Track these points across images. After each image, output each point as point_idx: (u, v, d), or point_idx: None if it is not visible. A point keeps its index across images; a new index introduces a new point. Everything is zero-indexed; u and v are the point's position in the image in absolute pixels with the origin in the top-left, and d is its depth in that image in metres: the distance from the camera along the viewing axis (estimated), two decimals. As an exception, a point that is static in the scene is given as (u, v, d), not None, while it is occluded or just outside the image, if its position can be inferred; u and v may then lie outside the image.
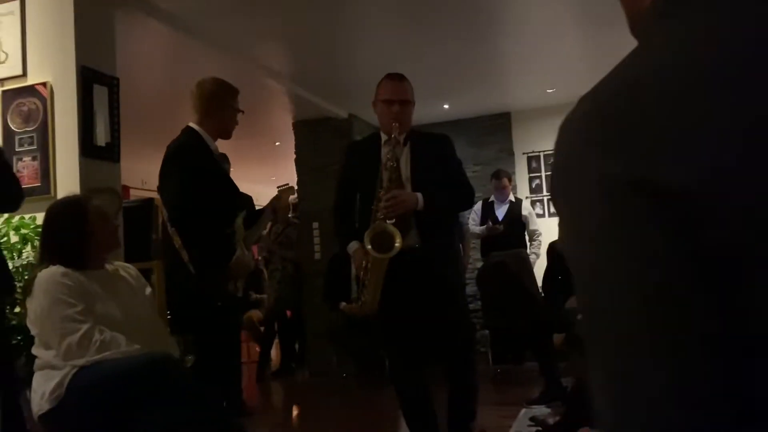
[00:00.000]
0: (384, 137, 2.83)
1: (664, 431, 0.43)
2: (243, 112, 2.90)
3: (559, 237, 0.54)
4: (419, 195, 2.67)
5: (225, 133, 2.84)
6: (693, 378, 0.42)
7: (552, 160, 0.56)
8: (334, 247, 5.98)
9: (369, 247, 2.57)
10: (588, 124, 0.51)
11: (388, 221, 2.60)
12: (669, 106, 0.45)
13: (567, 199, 0.51)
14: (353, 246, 2.75)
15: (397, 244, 2.56)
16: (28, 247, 2.92)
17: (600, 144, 0.48)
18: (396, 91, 2.83)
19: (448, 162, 2.85)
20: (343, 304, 2.70)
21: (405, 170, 2.75)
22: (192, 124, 2.75)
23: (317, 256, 6.33)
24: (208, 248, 2.63)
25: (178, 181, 2.59)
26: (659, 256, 0.44)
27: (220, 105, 2.76)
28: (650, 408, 0.43)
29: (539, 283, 5.30)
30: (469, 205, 3.09)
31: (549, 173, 7.01)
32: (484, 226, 5.68)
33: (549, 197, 6.97)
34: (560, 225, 0.55)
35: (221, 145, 4.09)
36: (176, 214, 2.60)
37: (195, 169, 2.62)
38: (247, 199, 4.75)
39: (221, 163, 2.85)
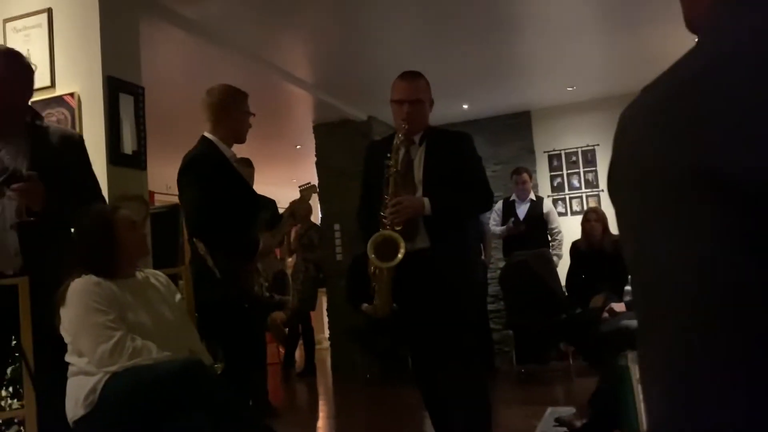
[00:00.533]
0: (399, 137, 2.76)
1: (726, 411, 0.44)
2: (254, 114, 2.90)
3: (619, 226, 0.56)
4: (426, 200, 2.61)
5: (239, 138, 2.85)
6: (757, 365, 0.43)
7: (613, 147, 0.58)
8: (355, 248, 6.03)
9: (372, 256, 2.55)
10: (654, 114, 0.54)
11: (395, 228, 2.56)
12: (740, 97, 0.45)
13: (630, 186, 0.53)
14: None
15: (400, 255, 2.52)
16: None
17: (666, 133, 0.49)
18: (406, 91, 2.75)
19: (466, 161, 2.74)
20: (365, 305, 2.69)
21: (418, 172, 2.69)
22: (206, 133, 2.79)
23: (339, 257, 6.37)
24: (231, 252, 2.66)
25: (193, 192, 2.64)
26: (724, 244, 0.45)
27: (230, 110, 2.78)
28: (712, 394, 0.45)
29: (563, 281, 5.27)
30: (485, 207, 2.98)
31: (570, 171, 6.98)
32: (504, 227, 5.67)
33: (571, 195, 6.94)
34: (621, 213, 0.56)
35: (243, 149, 4.14)
36: (195, 224, 2.64)
37: (210, 176, 2.65)
38: (270, 203, 4.81)
39: (238, 169, 2.88)
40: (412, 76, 2.80)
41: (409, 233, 2.58)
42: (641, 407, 0.77)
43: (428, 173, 2.66)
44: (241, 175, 2.88)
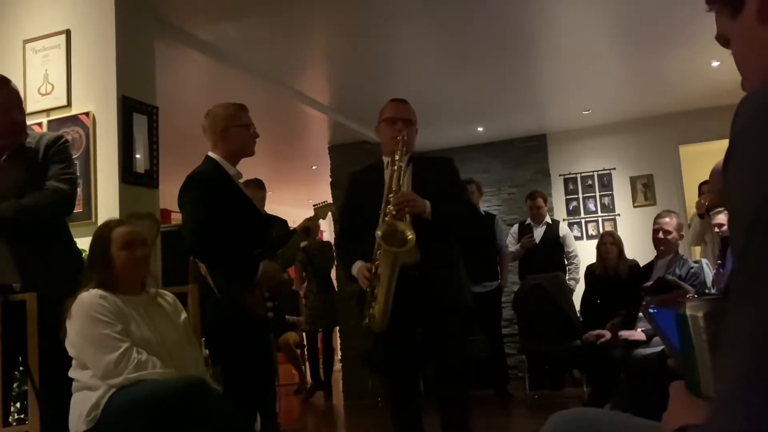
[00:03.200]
0: (386, 160, 2.80)
1: None
2: (252, 125, 2.87)
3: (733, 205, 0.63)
4: (428, 202, 2.62)
5: (243, 153, 2.83)
6: None
7: (734, 130, 0.64)
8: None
9: (380, 239, 2.48)
10: None
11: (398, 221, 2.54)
12: None
13: (751, 165, 0.59)
14: (357, 265, 2.69)
15: (410, 236, 2.48)
16: (71, 271, 3.00)
17: None
18: (399, 110, 2.83)
19: (451, 186, 2.80)
20: (364, 321, 2.62)
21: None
22: (209, 153, 2.81)
23: (352, 279, 6.34)
24: (231, 272, 2.65)
25: (192, 210, 2.64)
26: None
27: (227, 128, 2.77)
28: None
29: (577, 306, 5.19)
30: (474, 224, 3.01)
31: (586, 195, 6.92)
32: (519, 244, 5.63)
33: (587, 219, 6.87)
34: (734, 192, 0.62)
35: (259, 170, 4.14)
36: (192, 243, 2.62)
37: (210, 195, 2.64)
38: (281, 223, 4.82)
39: (243, 188, 2.87)
40: (402, 101, 2.91)
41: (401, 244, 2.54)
42: (701, 360, 0.80)
43: (417, 193, 2.67)
44: (245, 194, 2.86)
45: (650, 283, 3.60)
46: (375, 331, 2.57)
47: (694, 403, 0.81)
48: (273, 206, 4.83)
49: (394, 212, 2.55)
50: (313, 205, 3.42)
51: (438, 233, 2.66)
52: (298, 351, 6.97)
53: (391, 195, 2.61)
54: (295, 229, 3.17)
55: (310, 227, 3.10)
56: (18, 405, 2.84)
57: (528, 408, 5.28)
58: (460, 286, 2.79)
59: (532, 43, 4.66)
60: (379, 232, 2.50)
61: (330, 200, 6.34)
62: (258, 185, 4.48)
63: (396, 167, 2.67)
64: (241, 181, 2.87)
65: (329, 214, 3.42)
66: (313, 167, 7.57)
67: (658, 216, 4.06)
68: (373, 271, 2.57)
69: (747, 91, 0.72)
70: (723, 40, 0.79)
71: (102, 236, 2.29)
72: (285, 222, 4.94)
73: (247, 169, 3.03)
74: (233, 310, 2.61)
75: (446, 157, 2.99)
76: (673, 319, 0.88)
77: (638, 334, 3.80)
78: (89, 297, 2.18)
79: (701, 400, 0.80)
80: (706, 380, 0.80)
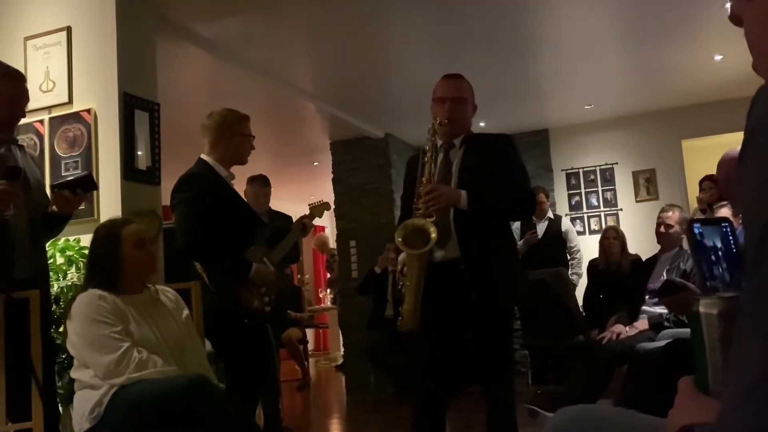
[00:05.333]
0: (439, 143, 2.59)
1: None
2: (254, 137, 2.95)
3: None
4: (463, 192, 2.41)
5: (237, 160, 2.90)
6: None
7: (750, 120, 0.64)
8: (370, 264, 6.01)
9: (400, 239, 2.33)
10: None
11: (428, 219, 2.35)
12: None
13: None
14: (402, 255, 2.50)
15: (433, 235, 2.29)
16: (73, 269, 3.01)
17: None
18: (448, 88, 2.61)
19: (508, 166, 2.53)
20: (400, 319, 2.46)
21: (454, 176, 2.52)
22: (202, 155, 2.87)
23: (354, 274, 6.36)
24: (224, 269, 2.69)
25: (183, 210, 2.68)
26: None
27: (228, 134, 2.84)
28: None
29: (580, 301, 5.19)
30: (527, 212, 2.74)
31: (589, 190, 6.91)
32: (522, 240, 5.63)
33: (589, 214, 6.85)
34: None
35: (261, 166, 4.13)
36: (183, 243, 2.65)
37: (202, 195, 2.69)
38: (286, 219, 4.82)
39: (233, 188, 2.90)
40: (455, 76, 2.68)
41: (439, 239, 2.35)
42: (712, 359, 0.80)
43: (464, 177, 2.49)
44: (237, 194, 2.91)
45: (658, 285, 3.59)
46: (403, 329, 2.43)
47: (701, 400, 0.80)
48: (275, 202, 4.82)
49: (420, 214, 2.39)
50: (309, 204, 3.44)
51: (481, 224, 2.44)
52: (301, 347, 6.98)
53: (421, 188, 2.43)
54: (289, 228, 3.20)
55: (306, 224, 3.14)
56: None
57: (530, 402, 5.28)
58: (504, 283, 2.50)
59: (534, 38, 4.64)
60: (399, 238, 2.36)
61: (332, 198, 6.39)
62: (263, 182, 4.49)
63: (427, 158, 2.48)
64: (233, 181, 2.90)
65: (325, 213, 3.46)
66: (315, 163, 7.57)
67: (661, 210, 4.05)
68: (401, 269, 2.45)
69: (758, 72, 0.72)
70: (737, 20, 0.78)
71: (111, 234, 2.27)
72: (290, 218, 4.94)
73: (249, 166, 3.04)
74: (229, 304, 2.63)
75: (504, 135, 2.76)
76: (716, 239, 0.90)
77: (642, 323, 3.79)
78: (88, 298, 2.18)
79: (709, 397, 0.80)
80: (714, 377, 0.80)
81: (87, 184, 2.52)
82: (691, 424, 0.75)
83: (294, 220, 4.88)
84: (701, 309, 0.83)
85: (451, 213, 2.45)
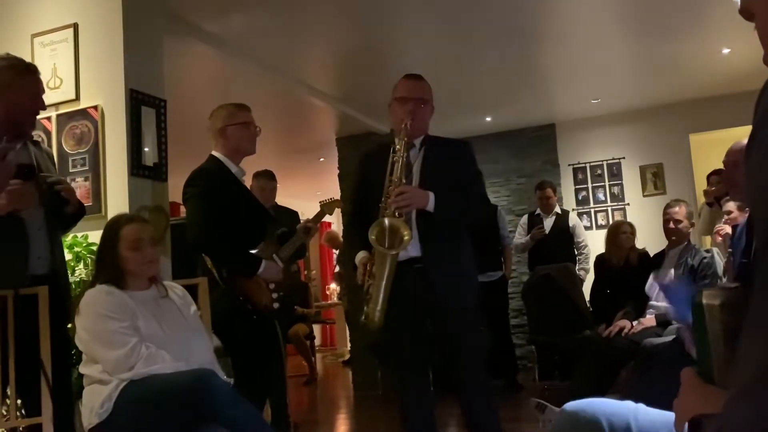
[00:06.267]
0: (397, 142, 2.60)
1: None
2: (259, 128, 2.95)
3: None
4: (431, 194, 2.46)
5: (243, 151, 2.90)
6: None
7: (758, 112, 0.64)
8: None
9: (373, 237, 2.34)
10: None
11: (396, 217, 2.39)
12: None
13: None
14: (360, 255, 2.57)
15: (405, 237, 2.33)
16: (81, 265, 3.02)
17: None
18: (411, 89, 2.65)
19: (464, 171, 2.62)
20: (362, 318, 2.50)
21: (415, 177, 2.56)
22: (213, 151, 2.90)
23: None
24: (234, 265, 2.70)
25: (194, 205, 2.70)
26: None
27: (227, 126, 2.86)
28: None
29: (587, 296, 5.18)
30: (482, 215, 2.82)
31: (596, 184, 6.89)
32: (529, 235, 5.62)
33: (596, 208, 6.84)
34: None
35: (267, 162, 4.14)
36: (194, 237, 2.67)
37: (213, 190, 2.71)
38: (293, 214, 4.83)
39: (244, 185, 2.91)
40: (417, 77, 2.72)
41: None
42: (715, 348, 0.81)
43: (425, 180, 2.54)
44: (248, 190, 2.92)
45: (666, 281, 3.59)
46: (370, 329, 2.46)
47: (706, 390, 0.81)
48: (282, 198, 4.83)
49: (392, 208, 2.41)
50: (320, 202, 3.44)
51: (442, 226, 2.53)
52: (308, 342, 7.00)
53: (391, 187, 2.46)
54: (295, 228, 3.21)
55: (310, 227, 3.14)
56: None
57: (537, 398, 5.28)
58: (463, 283, 2.60)
59: (540, 32, 4.62)
60: (372, 236, 2.37)
61: (338, 194, 6.39)
62: (268, 176, 4.50)
63: (397, 157, 2.50)
64: (244, 177, 2.92)
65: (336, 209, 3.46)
66: (321, 159, 7.57)
67: (668, 206, 4.04)
68: (369, 268, 2.47)
69: None
70: (747, 14, 0.78)
71: (111, 232, 2.29)
72: (296, 213, 4.95)
73: (256, 161, 3.06)
74: (238, 300, 2.64)
75: (463, 141, 2.82)
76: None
77: (649, 320, 3.79)
78: (96, 293, 2.19)
79: (713, 387, 0.80)
80: (719, 369, 0.81)
81: (26, 174, 2.33)
82: (699, 416, 0.75)
83: (299, 215, 4.91)
84: (704, 300, 0.84)
85: (414, 213, 2.51)
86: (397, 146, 2.52)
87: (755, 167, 0.61)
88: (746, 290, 0.73)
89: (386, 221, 2.40)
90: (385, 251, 2.37)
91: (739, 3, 0.78)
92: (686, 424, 0.76)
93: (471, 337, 2.60)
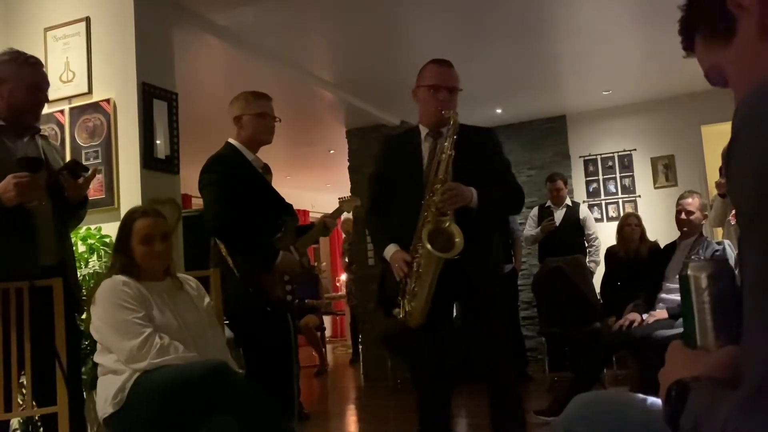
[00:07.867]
0: (424, 130, 2.59)
1: None
2: (278, 119, 2.94)
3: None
4: (474, 190, 2.43)
5: (259, 141, 2.90)
6: None
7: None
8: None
9: (429, 246, 2.31)
10: None
11: (442, 216, 2.37)
12: None
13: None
14: (391, 250, 2.53)
15: (457, 240, 2.31)
16: (94, 257, 3.06)
17: None
18: (443, 77, 2.57)
19: (497, 161, 2.61)
20: (396, 309, 2.56)
21: (444, 166, 2.48)
22: (230, 139, 2.89)
23: (371, 261, 6.38)
24: (251, 254, 2.69)
25: (212, 191, 2.70)
26: None
27: (242, 115, 2.85)
28: None
29: (597, 288, 5.17)
30: (520, 207, 2.83)
31: (607, 176, 6.86)
32: (539, 228, 5.61)
33: (607, 201, 6.81)
34: None
35: (278, 155, 4.13)
36: (212, 223, 2.67)
37: (230, 177, 2.70)
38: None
39: (261, 173, 2.90)
40: (448, 63, 2.64)
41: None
42: (700, 318, 0.88)
43: (458, 170, 2.46)
44: (265, 179, 2.91)
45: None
46: (411, 326, 2.46)
47: (689, 356, 0.85)
48: (292, 190, 4.85)
49: (439, 207, 2.37)
50: (339, 198, 3.44)
51: (479, 221, 2.49)
52: (318, 333, 7.04)
53: (437, 186, 2.40)
54: (313, 222, 3.20)
55: (328, 223, 3.12)
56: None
57: (547, 390, 5.29)
58: (498, 282, 2.65)
59: (551, 23, 4.60)
60: (428, 245, 2.33)
61: (348, 186, 6.40)
62: (264, 170, 4.51)
63: (445, 155, 2.42)
64: (262, 166, 2.90)
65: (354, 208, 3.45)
66: (331, 151, 7.58)
67: (680, 197, 4.02)
68: (414, 267, 2.43)
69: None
70: (716, 72, 0.81)
71: (126, 225, 2.32)
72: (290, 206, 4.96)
73: (266, 154, 3.06)
74: (252, 290, 2.65)
75: (487, 128, 2.76)
76: None
77: (660, 312, 3.78)
78: (112, 283, 2.22)
79: (697, 351, 0.86)
80: (701, 333, 0.87)
81: (74, 169, 2.44)
82: (684, 379, 0.77)
83: (293, 207, 4.91)
84: (690, 272, 0.89)
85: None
86: (446, 143, 2.44)
87: (735, 178, 0.63)
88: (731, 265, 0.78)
89: (440, 223, 2.38)
90: (441, 255, 2.34)
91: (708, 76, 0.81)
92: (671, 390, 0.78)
93: (505, 347, 2.61)
